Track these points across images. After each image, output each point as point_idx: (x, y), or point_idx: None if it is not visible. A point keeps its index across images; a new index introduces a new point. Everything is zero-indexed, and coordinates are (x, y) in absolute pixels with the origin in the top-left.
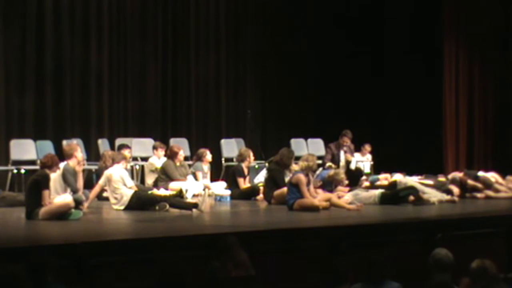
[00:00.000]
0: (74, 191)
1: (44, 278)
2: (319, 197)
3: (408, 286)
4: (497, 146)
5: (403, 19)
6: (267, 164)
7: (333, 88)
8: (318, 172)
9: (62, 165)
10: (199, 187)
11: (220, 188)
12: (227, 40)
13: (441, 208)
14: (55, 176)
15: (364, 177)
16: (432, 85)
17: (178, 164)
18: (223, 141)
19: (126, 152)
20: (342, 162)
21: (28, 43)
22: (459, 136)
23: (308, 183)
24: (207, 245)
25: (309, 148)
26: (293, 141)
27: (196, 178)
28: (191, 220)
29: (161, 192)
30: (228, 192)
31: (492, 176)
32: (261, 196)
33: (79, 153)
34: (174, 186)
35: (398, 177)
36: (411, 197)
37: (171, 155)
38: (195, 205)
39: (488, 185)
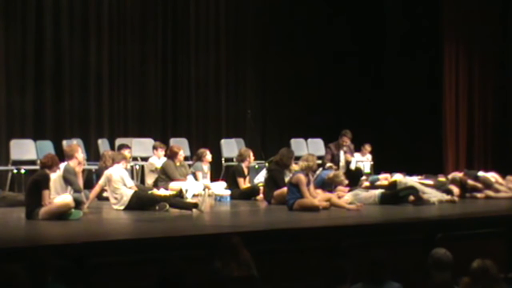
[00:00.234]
0: (78, 191)
1: (44, 278)
2: (319, 197)
3: (408, 286)
4: (497, 146)
5: (403, 19)
6: (267, 164)
7: (333, 88)
8: (318, 172)
9: (62, 165)
10: (199, 187)
11: (220, 188)
12: (227, 40)
13: (441, 208)
14: (55, 176)
15: (364, 177)
16: (432, 85)
17: (178, 164)
18: (223, 141)
19: (126, 152)
20: (342, 162)
21: (28, 43)
22: (459, 136)
23: (308, 183)
24: (207, 245)
25: (309, 148)
26: (293, 141)
27: (196, 178)
28: (191, 220)
29: (161, 192)
30: (228, 192)
31: (492, 176)
32: (261, 196)
33: (80, 154)
34: (174, 186)
35: (398, 177)
36: (411, 197)
37: (171, 155)
38: (195, 205)
39: (488, 185)
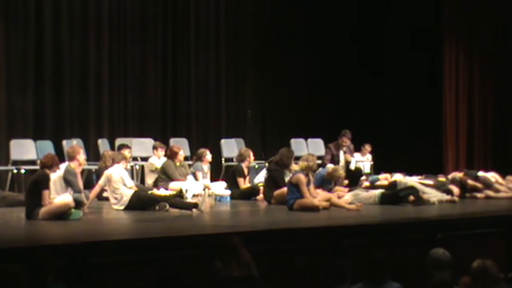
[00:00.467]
0: (78, 192)
1: (44, 278)
2: (319, 197)
3: (408, 286)
4: (497, 146)
5: (403, 19)
6: (267, 164)
7: (333, 88)
8: (317, 172)
9: (62, 165)
10: (199, 187)
11: (220, 188)
12: (227, 40)
13: (441, 208)
14: (55, 176)
15: (364, 177)
16: (432, 85)
17: (178, 164)
18: (223, 141)
19: (126, 152)
20: (342, 163)
21: (28, 43)
22: (459, 136)
23: (308, 183)
24: (207, 245)
25: (309, 148)
26: (293, 141)
27: (196, 178)
28: (191, 220)
29: (161, 192)
30: (228, 192)
31: (492, 176)
32: (261, 196)
33: (82, 156)
34: (174, 186)
35: (398, 177)
36: (411, 197)
37: (171, 155)
38: (195, 205)
39: (488, 185)
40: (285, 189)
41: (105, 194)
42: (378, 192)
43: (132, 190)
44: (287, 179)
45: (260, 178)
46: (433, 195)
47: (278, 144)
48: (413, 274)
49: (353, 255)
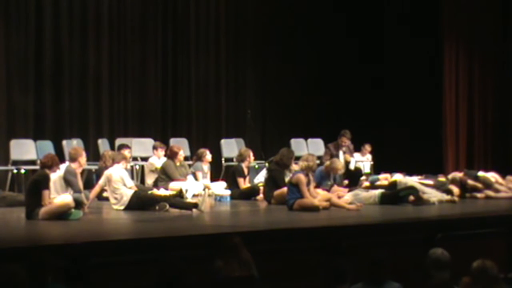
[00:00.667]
0: (78, 192)
1: (44, 278)
2: (319, 197)
3: (408, 286)
4: (497, 146)
5: (403, 18)
6: (267, 164)
7: (333, 88)
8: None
9: (63, 166)
10: (199, 187)
11: (220, 188)
12: (227, 40)
13: (441, 208)
14: (55, 176)
15: (364, 177)
16: (432, 85)
17: (178, 164)
18: (223, 141)
19: (126, 152)
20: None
21: (28, 43)
22: (459, 136)
23: (308, 183)
24: (208, 245)
25: (309, 148)
26: (293, 141)
27: (196, 178)
28: (191, 220)
29: (161, 192)
30: (228, 192)
31: (492, 176)
32: (261, 196)
33: (83, 159)
34: (174, 186)
35: (398, 177)
36: (411, 197)
37: (171, 155)
38: (195, 205)
39: (488, 185)
40: (285, 189)
41: (105, 194)
42: (378, 192)
43: (132, 190)
44: (287, 179)
45: (260, 178)
46: (433, 195)
47: (278, 144)
48: (413, 274)
49: (353, 255)
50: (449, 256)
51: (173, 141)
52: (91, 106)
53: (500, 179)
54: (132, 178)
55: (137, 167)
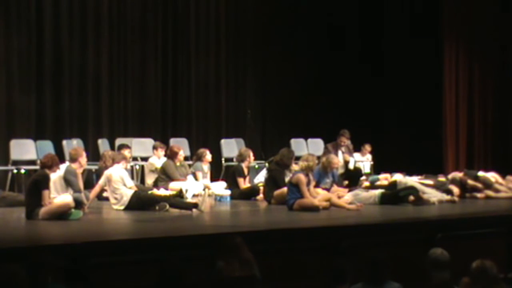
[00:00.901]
0: (78, 191)
1: (44, 278)
2: (319, 197)
3: (408, 286)
4: (497, 146)
5: (403, 19)
6: (267, 164)
7: (333, 88)
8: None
9: (63, 166)
10: (199, 187)
11: (220, 188)
12: (227, 40)
13: (441, 208)
14: (55, 176)
15: (364, 177)
16: (432, 85)
17: (178, 164)
18: (223, 141)
19: (126, 152)
20: (341, 163)
21: (28, 43)
22: (459, 136)
23: (308, 183)
24: (208, 245)
25: (309, 148)
26: (293, 141)
27: (196, 178)
28: (191, 220)
29: (161, 192)
30: (228, 192)
31: (492, 176)
32: (261, 196)
33: (84, 159)
34: (174, 186)
35: (398, 177)
36: (411, 197)
37: (171, 155)
38: (195, 205)
39: (488, 185)
40: (285, 189)
41: (105, 194)
42: (378, 192)
43: (132, 190)
44: (287, 179)
45: (260, 178)
46: (433, 195)
47: (278, 144)
48: (413, 274)
49: (353, 255)
50: (449, 256)
51: (173, 141)
52: (91, 106)
53: (500, 179)
54: (132, 178)
55: (137, 167)
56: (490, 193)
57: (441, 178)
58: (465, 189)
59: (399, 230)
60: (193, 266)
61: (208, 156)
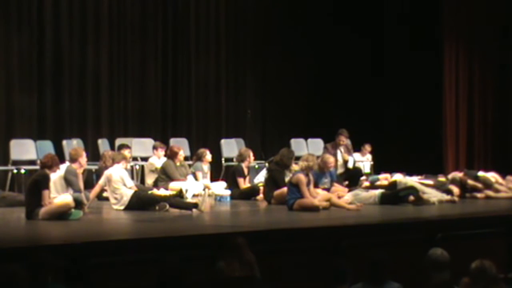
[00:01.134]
0: (78, 191)
1: (44, 278)
2: (319, 197)
3: (408, 286)
4: (497, 146)
5: (403, 19)
6: (267, 164)
7: (333, 88)
8: None
9: (63, 166)
10: (199, 187)
11: (220, 188)
12: (227, 40)
13: (441, 208)
14: (55, 176)
15: (364, 177)
16: (432, 85)
17: (178, 164)
18: (223, 141)
19: (126, 152)
20: (340, 162)
21: (28, 44)
22: (459, 136)
23: (308, 183)
24: (208, 245)
25: (309, 148)
26: (293, 141)
27: (196, 178)
28: (191, 220)
29: (161, 192)
30: (228, 192)
31: (492, 176)
32: (261, 196)
33: (84, 159)
34: (174, 186)
35: (398, 177)
36: (411, 197)
37: (171, 155)
38: (195, 205)
39: (488, 185)
40: (285, 189)
41: (105, 194)
42: (378, 192)
43: (132, 190)
44: (287, 179)
45: (260, 178)
46: (433, 195)
47: (278, 144)
48: (413, 274)
49: (353, 255)
50: (449, 256)
51: (173, 141)
52: (91, 106)
53: (500, 179)
54: (132, 178)
55: (137, 167)
56: (490, 193)
57: (441, 178)
58: (465, 189)
59: (399, 230)
60: (193, 266)
61: (208, 156)
